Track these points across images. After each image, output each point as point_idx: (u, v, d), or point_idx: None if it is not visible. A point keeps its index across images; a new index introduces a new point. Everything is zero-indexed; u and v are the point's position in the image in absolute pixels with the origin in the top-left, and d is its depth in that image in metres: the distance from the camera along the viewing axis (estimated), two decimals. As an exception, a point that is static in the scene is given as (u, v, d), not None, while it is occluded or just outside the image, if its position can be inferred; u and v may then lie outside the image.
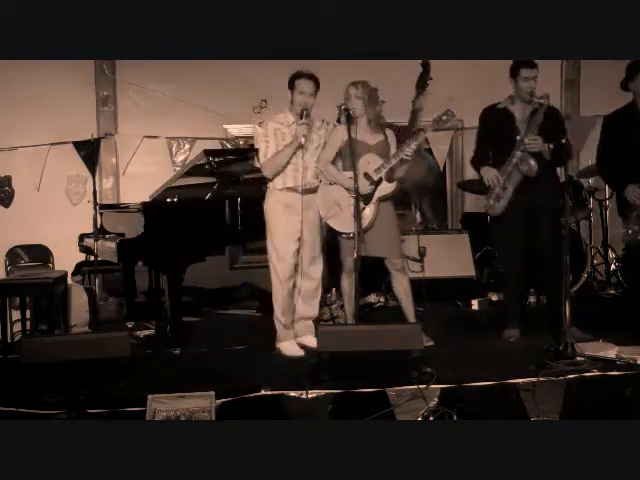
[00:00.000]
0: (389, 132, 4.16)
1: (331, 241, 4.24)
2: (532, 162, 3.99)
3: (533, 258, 4.19)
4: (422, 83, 5.43)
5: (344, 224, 3.99)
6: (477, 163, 4.33)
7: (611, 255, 6.00)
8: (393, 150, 4.06)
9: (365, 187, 3.96)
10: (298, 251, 4.06)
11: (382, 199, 4.03)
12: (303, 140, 3.92)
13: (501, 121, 4.18)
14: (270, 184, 4.08)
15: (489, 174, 4.14)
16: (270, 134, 4.03)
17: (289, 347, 4.06)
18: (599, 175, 4.76)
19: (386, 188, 4.02)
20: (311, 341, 4.03)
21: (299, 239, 4.03)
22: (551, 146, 3.91)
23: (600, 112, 6.13)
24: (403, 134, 5.23)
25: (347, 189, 3.95)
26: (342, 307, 4.48)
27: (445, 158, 6.72)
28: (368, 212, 3.97)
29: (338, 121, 4.09)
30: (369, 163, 3.99)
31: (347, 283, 4.15)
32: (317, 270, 4.20)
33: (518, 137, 4.06)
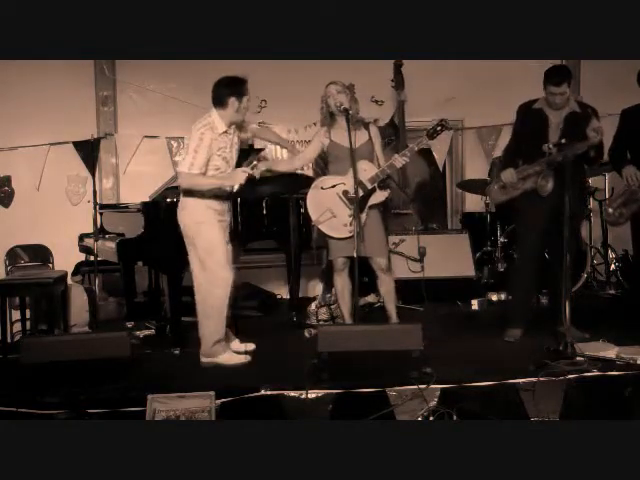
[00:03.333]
0: (373, 129, 4.16)
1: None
2: (550, 184, 3.96)
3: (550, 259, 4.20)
4: (398, 82, 5.53)
5: (337, 230, 4.03)
6: (506, 160, 4.30)
7: (611, 255, 6.00)
8: (378, 148, 4.08)
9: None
10: None
11: (373, 207, 4.04)
12: (236, 188, 3.70)
13: (535, 122, 4.09)
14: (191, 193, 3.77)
15: (507, 177, 4.11)
16: (204, 144, 3.67)
17: (232, 357, 3.86)
18: (610, 164, 4.77)
19: (379, 196, 4.03)
20: (239, 345, 4.04)
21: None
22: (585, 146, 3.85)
23: (600, 112, 6.16)
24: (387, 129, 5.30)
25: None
26: (342, 307, 4.48)
27: (445, 158, 6.73)
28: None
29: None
30: (365, 170, 3.97)
31: (339, 283, 4.16)
32: None
33: (547, 146, 3.97)
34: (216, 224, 3.79)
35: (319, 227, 4.08)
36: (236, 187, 3.70)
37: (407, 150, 3.98)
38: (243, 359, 3.85)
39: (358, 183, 3.87)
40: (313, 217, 4.08)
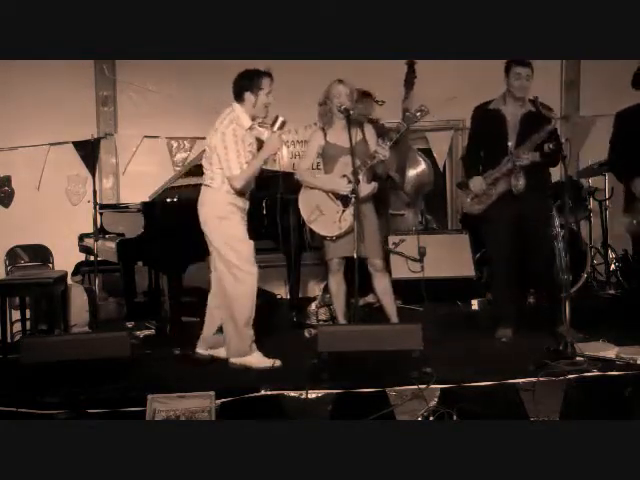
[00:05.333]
0: (367, 128, 4.15)
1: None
2: (521, 181, 3.97)
3: (528, 260, 4.21)
4: (409, 81, 5.53)
5: (326, 228, 4.03)
6: (467, 165, 4.32)
7: (611, 255, 6.00)
8: (372, 147, 4.05)
9: (343, 188, 3.96)
10: None
11: (361, 200, 4.01)
12: (278, 153, 3.63)
13: (493, 123, 4.11)
14: (216, 185, 3.65)
15: (476, 186, 4.11)
16: (240, 140, 3.60)
17: (262, 360, 3.73)
18: (609, 169, 4.74)
19: (364, 189, 4.00)
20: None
21: None
22: (547, 149, 3.90)
23: (600, 112, 6.16)
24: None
25: (327, 192, 3.98)
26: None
27: (445, 158, 6.73)
28: (347, 214, 3.96)
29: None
30: (347, 165, 3.96)
31: (335, 283, 4.16)
32: None
33: (509, 144, 4.03)
34: (240, 220, 3.69)
35: (310, 226, 4.09)
36: (278, 153, 3.63)
37: (386, 139, 3.94)
38: (271, 363, 3.71)
39: (343, 177, 3.90)
40: (305, 217, 4.10)
